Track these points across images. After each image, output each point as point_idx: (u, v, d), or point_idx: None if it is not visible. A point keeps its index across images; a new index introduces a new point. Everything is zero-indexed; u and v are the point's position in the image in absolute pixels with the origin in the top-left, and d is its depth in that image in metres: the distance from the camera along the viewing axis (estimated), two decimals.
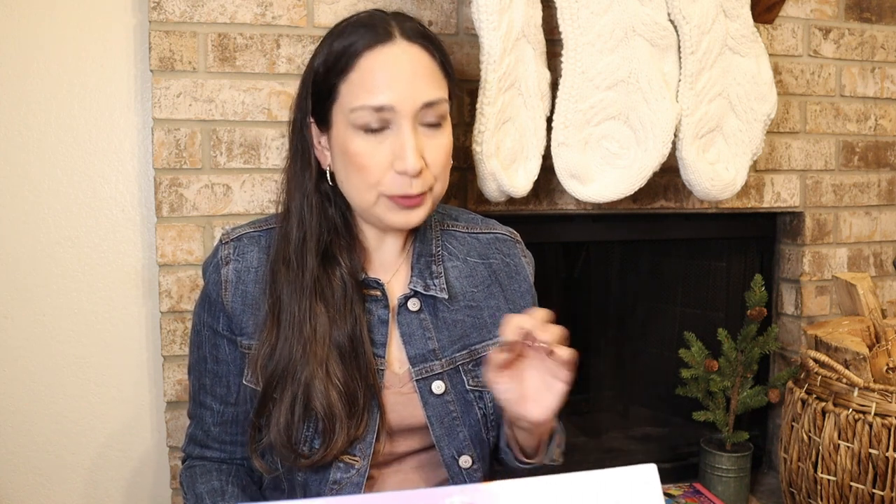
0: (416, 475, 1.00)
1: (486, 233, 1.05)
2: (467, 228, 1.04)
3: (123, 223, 1.36)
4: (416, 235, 1.00)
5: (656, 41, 1.33)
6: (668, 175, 1.48)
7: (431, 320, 0.97)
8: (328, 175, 0.95)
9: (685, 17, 1.33)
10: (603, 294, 1.83)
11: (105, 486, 1.39)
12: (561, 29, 1.29)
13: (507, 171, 1.28)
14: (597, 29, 1.30)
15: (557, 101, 1.30)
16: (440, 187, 0.94)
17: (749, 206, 1.61)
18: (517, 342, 0.79)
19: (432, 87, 0.90)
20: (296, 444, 0.91)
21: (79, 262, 1.35)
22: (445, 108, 0.92)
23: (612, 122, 1.34)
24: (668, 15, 1.34)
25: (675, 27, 1.35)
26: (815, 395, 1.36)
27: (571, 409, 1.81)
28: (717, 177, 1.39)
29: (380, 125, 0.88)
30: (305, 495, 0.95)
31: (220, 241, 0.98)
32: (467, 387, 0.98)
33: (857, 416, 1.27)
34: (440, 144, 0.91)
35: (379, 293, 0.96)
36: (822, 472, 1.32)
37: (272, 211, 1.20)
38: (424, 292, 0.97)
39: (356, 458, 0.93)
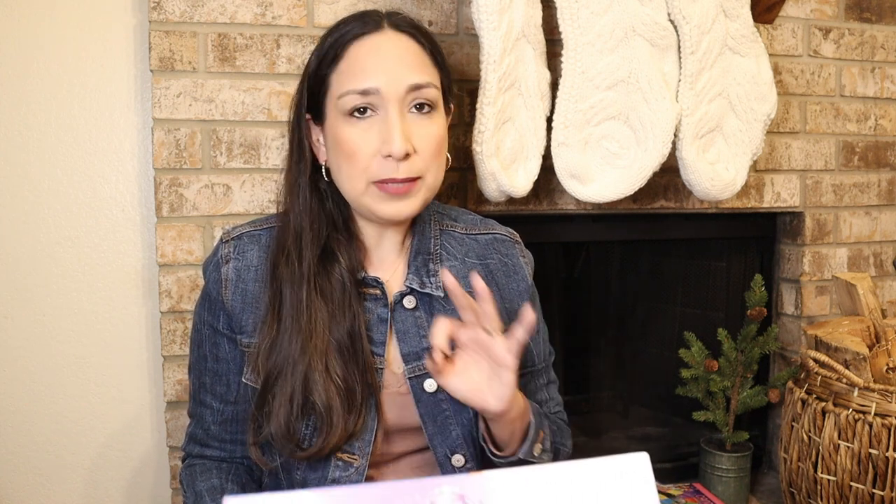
0: (414, 475, 1.00)
1: (484, 233, 1.05)
2: (466, 230, 1.04)
3: (123, 223, 1.36)
4: (414, 234, 1.00)
5: (656, 41, 1.33)
6: (668, 175, 1.48)
7: (427, 318, 0.97)
8: (325, 171, 0.96)
9: (685, 17, 1.33)
10: (603, 294, 1.83)
11: (105, 486, 1.39)
12: (561, 29, 1.29)
13: (507, 171, 1.28)
14: (597, 29, 1.30)
15: (557, 101, 1.30)
16: (432, 178, 0.93)
17: (749, 206, 1.61)
18: (442, 350, 0.81)
19: (419, 71, 0.91)
20: (294, 436, 0.91)
21: (79, 262, 1.35)
22: (434, 94, 0.92)
23: (612, 122, 1.34)
24: (668, 15, 1.34)
25: (675, 27, 1.35)
26: (815, 395, 1.36)
27: (571, 409, 1.82)
28: (717, 177, 1.39)
29: (366, 109, 0.89)
30: None
31: (221, 239, 0.98)
32: None
33: (857, 416, 1.27)
34: (430, 132, 0.92)
35: (378, 292, 0.96)
36: (822, 472, 1.32)
37: (272, 211, 1.20)
38: (420, 290, 0.97)
39: (355, 457, 0.93)
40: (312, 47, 0.97)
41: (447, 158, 0.98)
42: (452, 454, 0.97)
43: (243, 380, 0.97)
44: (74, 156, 1.33)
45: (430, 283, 0.97)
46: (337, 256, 0.94)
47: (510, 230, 1.07)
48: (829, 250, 1.68)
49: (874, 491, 1.26)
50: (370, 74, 0.89)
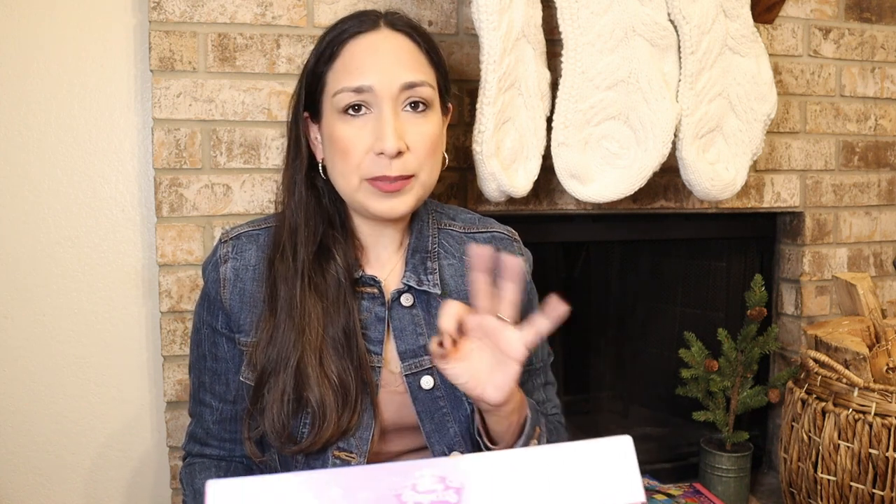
0: None
1: (482, 232, 1.05)
2: (464, 228, 1.04)
3: (123, 223, 1.36)
4: (412, 232, 1.00)
5: (656, 41, 1.33)
6: (668, 175, 1.48)
7: (424, 316, 0.97)
8: (322, 169, 0.97)
9: (685, 17, 1.33)
10: (603, 294, 1.83)
11: (105, 486, 1.39)
12: (561, 29, 1.29)
13: (507, 171, 1.28)
14: (597, 29, 1.30)
15: (557, 101, 1.30)
16: (426, 176, 0.93)
17: (749, 206, 1.61)
18: (450, 334, 0.78)
19: (413, 70, 0.91)
20: (287, 429, 0.91)
21: (79, 262, 1.35)
22: (429, 93, 0.92)
23: (612, 122, 1.34)
24: (668, 15, 1.34)
25: (675, 27, 1.35)
26: (815, 395, 1.36)
27: (571, 409, 1.82)
28: (717, 177, 1.39)
29: (361, 107, 0.90)
30: None
31: (220, 240, 0.99)
32: None
33: (857, 416, 1.27)
34: (423, 131, 0.92)
35: (376, 290, 0.96)
36: (822, 472, 1.32)
37: (272, 211, 1.20)
38: (418, 287, 0.96)
39: (353, 455, 0.93)
40: (312, 47, 0.97)
41: (444, 158, 0.98)
42: (450, 451, 0.97)
43: (241, 378, 0.97)
44: (74, 156, 1.33)
45: (428, 281, 0.97)
46: (333, 253, 0.94)
47: (508, 228, 1.07)
48: (829, 250, 1.68)
49: (874, 491, 1.26)
50: (364, 72, 0.89)
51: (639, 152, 1.34)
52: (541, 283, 1.09)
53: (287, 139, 0.99)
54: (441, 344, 0.78)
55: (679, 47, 1.35)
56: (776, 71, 1.57)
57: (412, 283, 0.96)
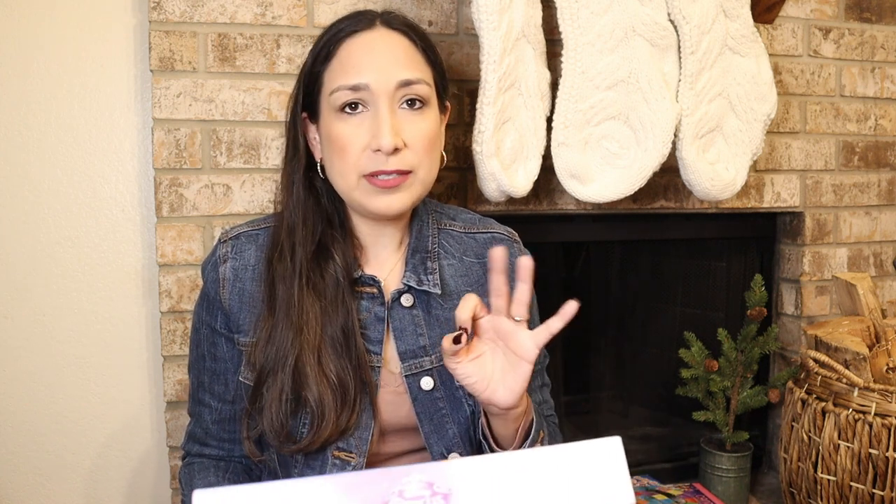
0: None
1: (483, 232, 1.05)
2: (464, 228, 1.04)
3: (123, 223, 1.36)
4: (412, 232, 1.00)
5: (656, 41, 1.33)
6: (668, 175, 1.48)
7: (424, 317, 0.97)
8: (321, 168, 0.97)
9: (685, 17, 1.33)
10: (603, 294, 1.83)
11: (105, 486, 1.39)
12: (561, 29, 1.29)
13: (507, 171, 1.28)
14: (597, 29, 1.30)
15: (557, 101, 1.30)
16: (424, 173, 0.93)
17: (749, 206, 1.61)
18: (467, 326, 0.79)
19: (409, 68, 0.91)
20: (286, 429, 0.91)
21: (79, 262, 1.35)
22: (425, 90, 0.92)
23: (612, 122, 1.34)
24: (668, 15, 1.34)
25: (675, 27, 1.35)
26: (815, 395, 1.36)
27: (571, 409, 1.82)
28: (717, 177, 1.39)
29: (357, 105, 0.90)
30: None
31: (219, 239, 0.99)
32: (457, 384, 0.97)
33: (857, 416, 1.27)
34: (420, 128, 0.92)
35: (375, 290, 0.96)
36: (822, 472, 1.32)
37: (272, 211, 1.20)
38: (418, 287, 0.96)
39: (352, 455, 0.93)
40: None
41: (442, 156, 0.98)
42: (449, 453, 0.97)
43: (240, 378, 0.97)
44: (74, 156, 1.33)
45: (428, 281, 0.97)
46: (331, 253, 0.94)
47: (508, 229, 1.07)
48: (829, 250, 1.68)
49: (874, 491, 1.26)
50: (360, 70, 0.89)
51: (639, 152, 1.34)
52: (541, 284, 1.09)
53: (285, 139, 0.99)
54: (456, 340, 0.78)
55: (679, 47, 1.35)
56: (776, 71, 1.57)
57: (412, 283, 0.96)
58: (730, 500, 1.56)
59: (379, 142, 0.88)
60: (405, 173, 0.90)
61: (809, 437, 1.34)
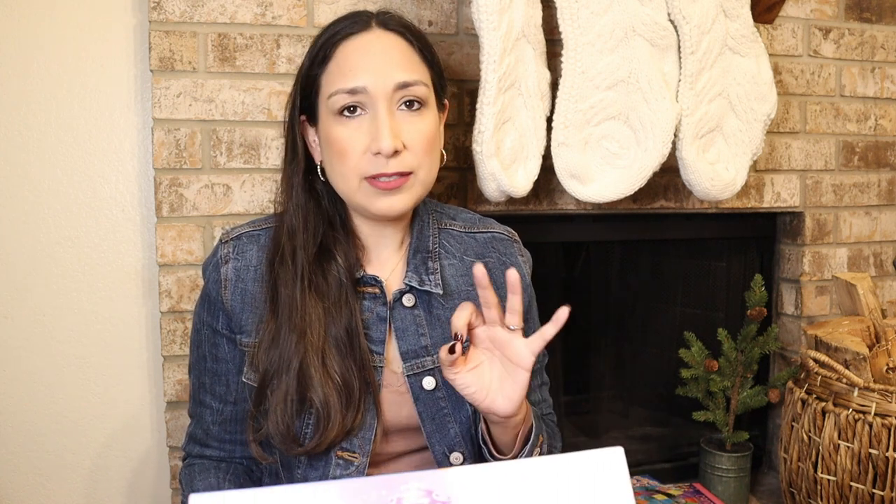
0: None
1: (483, 232, 1.05)
2: (465, 228, 1.04)
3: (123, 223, 1.36)
4: (413, 232, 1.00)
5: (656, 41, 1.33)
6: (668, 175, 1.48)
7: (425, 316, 0.97)
8: (321, 171, 0.97)
9: (685, 17, 1.33)
10: (603, 294, 1.83)
11: (105, 486, 1.39)
12: (561, 29, 1.29)
13: (507, 171, 1.27)
14: (597, 29, 1.30)
15: (557, 101, 1.30)
16: (424, 173, 0.93)
17: (749, 206, 1.61)
18: (463, 335, 0.80)
19: (407, 69, 0.91)
20: (292, 432, 0.91)
21: (79, 262, 1.35)
22: (424, 91, 0.92)
23: (612, 122, 1.34)
24: (668, 15, 1.34)
25: (675, 27, 1.35)
26: (815, 395, 1.36)
27: (571, 409, 1.82)
28: (717, 177, 1.39)
29: (356, 108, 0.90)
30: None
31: (220, 240, 0.99)
32: None
33: (857, 416, 1.27)
34: (419, 129, 0.92)
35: (377, 290, 0.97)
36: (822, 472, 1.32)
37: (272, 211, 1.20)
38: (419, 287, 0.97)
39: (356, 455, 0.94)
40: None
41: (442, 155, 0.98)
42: (451, 452, 0.97)
43: (243, 379, 0.97)
44: (74, 156, 1.33)
45: (429, 281, 0.97)
46: (333, 254, 0.95)
47: (508, 229, 1.07)
48: (829, 250, 1.68)
49: (874, 491, 1.26)
50: (358, 73, 0.89)
51: (639, 152, 1.34)
52: (541, 284, 1.09)
53: (285, 143, 0.99)
54: (451, 350, 0.79)
55: (679, 47, 1.35)
56: (776, 71, 1.57)
57: (414, 284, 0.96)
58: (730, 500, 1.56)
59: (379, 145, 0.88)
60: (406, 175, 0.91)
61: (809, 437, 1.35)
